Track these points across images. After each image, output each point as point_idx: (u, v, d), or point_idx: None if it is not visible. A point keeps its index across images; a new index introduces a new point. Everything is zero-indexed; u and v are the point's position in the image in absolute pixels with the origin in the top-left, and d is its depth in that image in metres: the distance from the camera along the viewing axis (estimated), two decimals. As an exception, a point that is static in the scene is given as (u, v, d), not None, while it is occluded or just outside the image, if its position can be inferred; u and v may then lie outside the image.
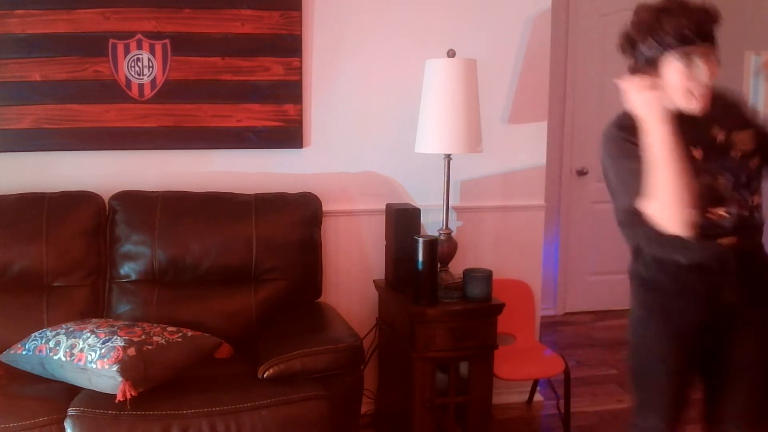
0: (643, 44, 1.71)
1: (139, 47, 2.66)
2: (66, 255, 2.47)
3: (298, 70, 2.80)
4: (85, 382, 2.03)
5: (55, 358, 2.08)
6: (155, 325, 2.29)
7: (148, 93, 2.69)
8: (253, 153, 2.84)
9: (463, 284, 2.58)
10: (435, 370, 2.55)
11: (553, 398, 3.22)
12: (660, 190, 1.63)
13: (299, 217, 2.67)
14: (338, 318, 2.56)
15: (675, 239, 1.69)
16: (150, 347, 2.07)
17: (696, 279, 1.78)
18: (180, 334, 2.22)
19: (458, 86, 2.55)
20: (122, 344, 2.03)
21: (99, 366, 1.98)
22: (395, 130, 2.91)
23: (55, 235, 2.46)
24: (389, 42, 2.89)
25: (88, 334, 2.10)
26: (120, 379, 1.94)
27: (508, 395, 3.22)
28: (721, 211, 1.72)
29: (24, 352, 2.17)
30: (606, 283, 4.54)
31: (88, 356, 2.02)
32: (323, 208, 2.76)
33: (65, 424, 1.93)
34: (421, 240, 2.50)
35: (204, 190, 2.68)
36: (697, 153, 1.73)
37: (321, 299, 2.77)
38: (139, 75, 2.68)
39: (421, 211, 2.73)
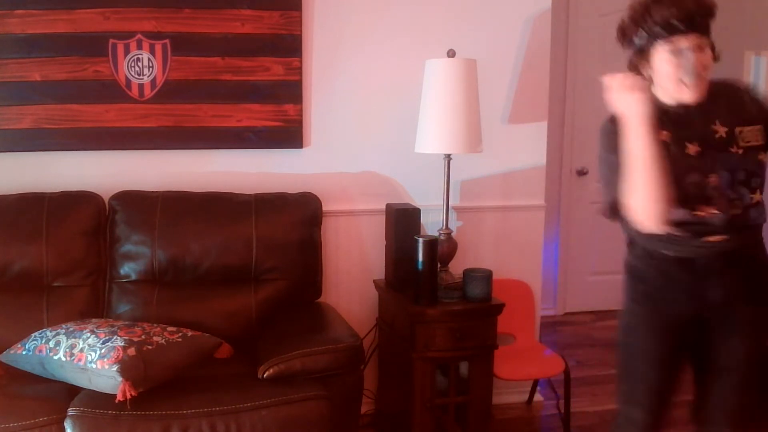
0: (635, 35, 1.72)
1: (139, 47, 2.66)
2: (66, 255, 2.47)
3: (298, 70, 2.80)
4: (85, 382, 2.03)
5: (55, 358, 2.08)
6: (155, 325, 2.29)
7: (148, 93, 2.69)
8: (253, 153, 2.84)
9: (463, 284, 2.58)
10: (435, 370, 2.55)
11: (553, 398, 3.22)
12: (635, 188, 1.67)
13: (299, 217, 2.67)
14: (338, 318, 2.56)
15: (660, 234, 1.71)
16: (150, 347, 2.07)
17: (682, 274, 1.79)
18: (180, 334, 2.22)
19: (458, 86, 2.55)
20: (122, 344, 2.03)
21: (99, 366, 1.98)
22: (395, 130, 2.91)
23: (55, 235, 2.46)
24: (389, 42, 2.89)
25: (88, 334, 2.10)
26: (120, 379, 1.94)
27: (508, 395, 3.22)
28: (709, 210, 1.71)
29: (24, 352, 2.17)
30: (606, 283, 4.53)
31: (88, 356, 2.02)
32: (323, 208, 2.77)
33: (65, 424, 1.93)
34: (421, 240, 2.50)
35: (204, 190, 2.68)
36: (693, 148, 1.72)
37: (321, 299, 2.77)
38: (139, 75, 2.68)
39: (421, 211, 2.73)
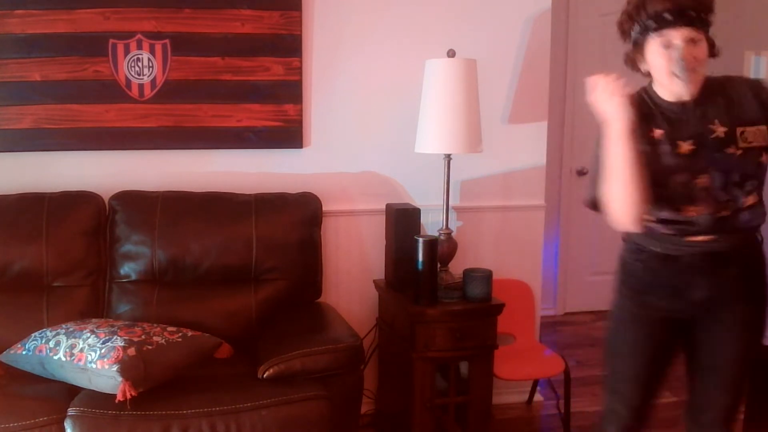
0: (631, 28, 1.73)
1: (139, 47, 2.66)
2: (66, 255, 2.47)
3: (298, 70, 2.80)
4: (85, 382, 2.03)
5: (55, 358, 2.08)
6: (155, 325, 2.29)
7: (148, 93, 2.69)
8: (253, 153, 2.84)
9: (463, 284, 2.58)
10: (435, 370, 2.55)
11: (553, 398, 3.22)
12: (612, 189, 1.69)
13: (299, 217, 2.67)
14: (338, 318, 2.56)
15: (651, 230, 1.72)
16: (150, 347, 2.07)
17: (666, 271, 1.79)
18: (180, 334, 2.22)
19: (458, 86, 2.55)
20: (122, 344, 2.03)
21: (99, 366, 1.98)
22: (395, 130, 2.91)
23: (55, 235, 2.46)
24: (389, 42, 2.89)
25: (88, 334, 2.10)
26: (120, 379, 1.94)
27: (508, 395, 3.22)
28: (696, 210, 1.71)
29: (24, 352, 2.17)
30: (606, 283, 4.46)
31: (88, 356, 2.02)
32: (323, 208, 2.77)
33: (65, 424, 1.93)
34: (421, 240, 2.50)
35: (204, 190, 2.68)
36: (686, 147, 1.71)
37: (321, 299, 2.77)
38: (139, 75, 2.68)
39: (421, 211, 2.73)
